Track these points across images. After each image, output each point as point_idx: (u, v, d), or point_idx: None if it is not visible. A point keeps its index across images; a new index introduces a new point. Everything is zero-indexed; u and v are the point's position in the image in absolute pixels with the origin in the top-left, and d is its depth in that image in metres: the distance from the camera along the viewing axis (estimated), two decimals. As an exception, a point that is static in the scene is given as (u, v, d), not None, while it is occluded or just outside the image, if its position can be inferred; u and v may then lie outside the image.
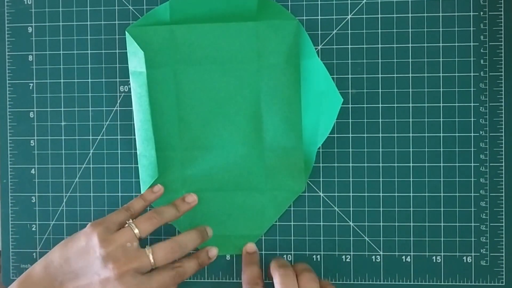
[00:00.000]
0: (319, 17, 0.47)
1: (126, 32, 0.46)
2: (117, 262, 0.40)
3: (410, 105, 0.46)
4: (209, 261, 0.45)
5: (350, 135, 0.47)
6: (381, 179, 0.47)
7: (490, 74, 0.46)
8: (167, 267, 0.42)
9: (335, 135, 0.47)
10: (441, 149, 0.46)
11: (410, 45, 0.46)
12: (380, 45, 0.47)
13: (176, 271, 0.42)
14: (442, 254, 0.47)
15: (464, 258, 0.47)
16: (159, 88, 0.46)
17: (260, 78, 0.45)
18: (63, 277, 0.40)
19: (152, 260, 0.41)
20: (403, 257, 0.47)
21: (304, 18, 0.47)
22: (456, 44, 0.46)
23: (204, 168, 0.46)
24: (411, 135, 0.47)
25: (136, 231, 0.41)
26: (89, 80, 0.48)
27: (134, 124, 0.47)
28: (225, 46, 0.45)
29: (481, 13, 0.46)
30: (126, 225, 0.42)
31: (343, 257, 0.47)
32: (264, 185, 0.46)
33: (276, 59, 0.45)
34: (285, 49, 0.45)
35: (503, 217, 0.46)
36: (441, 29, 0.46)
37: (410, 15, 0.46)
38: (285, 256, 0.47)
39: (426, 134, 0.46)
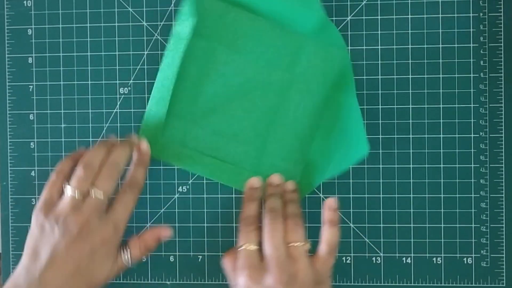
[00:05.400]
0: (319, 19, 0.47)
1: None
2: (71, 217, 0.40)
3: (410, 106, 0.46)
4: (146, 155, 0.45)
5: (350, 136, 0.47)
6: (381, 181, 0.47)
7: (490, 75, 0.46)
8: (120, 192, 0.43)
9: (335, 137, 0.47)
10: (441, 150, 0.46)
11: (409, 46, 0.46)
12: (379, 47, 0.47)
13: (126, 185, 0.43)
14: (443, 255, 0.47)
15: (465, 259, 0.47)
16: (194, 59, 0.46)
17: (287, 88, 0.46)
18: (39, 275, 0.39)
19: (100, 195, 0.41)
20: (404, 258, 0.47)
21: (304, 19, 0.47)
22: (456, 45, 0.46)
23: (202, 146, 0.47)
24: (411, 136, 0.47)
25: (77, 192, 0.41)
26: (89, 82, 0.48)
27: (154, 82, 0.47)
28: (270, 47, 0.45)
29: (481, 14, 0.46)
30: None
31: (344, 258, 0.47)
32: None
33: (311, 79, 0.45)
34: (324, 74, 0.45)
35: (503, 218, 0.46)
36: (440, 30, 0.46)
37: (409, 16, 0.46)
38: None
39: (426, 136, 0.46)
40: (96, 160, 0.42)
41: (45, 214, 0.41)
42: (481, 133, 0.46)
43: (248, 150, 0.46)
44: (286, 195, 0.45)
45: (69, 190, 0.41)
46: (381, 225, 0.47)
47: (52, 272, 0.39)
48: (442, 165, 0.46)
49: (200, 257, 0.48)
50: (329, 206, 0.43)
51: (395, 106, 0.47)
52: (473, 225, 0.46)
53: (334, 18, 0.47)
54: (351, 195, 0.47)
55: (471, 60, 0.46)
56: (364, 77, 0.47)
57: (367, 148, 0.43)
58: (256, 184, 0.46)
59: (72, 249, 0.39)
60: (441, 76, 0.46)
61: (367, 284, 0.47)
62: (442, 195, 0.47)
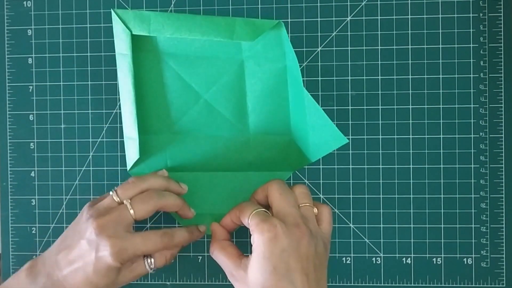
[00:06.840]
0: (319, 19, 0.47)
1: (112, 12, 0.44)
2: (98, 216, 0.40)
3: (410, 106, 0.46)
4: (199, 234, 0.45)
5: (350, 136, 0.47)
6: (381, 181, 0.47)
7: (490, 75, 0.46)
8: (153, 231, 0.42)
9: (335, 137, 0.47)
10: (441, 151, 0.46)
11: (409, 46, 0.46)
12: (379, 47, 0.47)
13: (164, 231, 0.42)
14: (443, 255, 0.47)
15: (465, 259, 0.47)
16: (144, 72, 0.45)
17: (244, 68, 0.45)
18: (58, 254, 0.41)
19: (131, 211, 0.40)
20: (404, 258, 0.47)
21: (304, 20, 0.47)
22: (456, 45, 0.46)
23: (188, 150, 0.47)
24: (411, 136, 0.47)
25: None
26: (89, 82, 0.48)
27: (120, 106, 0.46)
28: (210, 41, 0.44)
29: (481, 14, 0.46)
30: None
31: (344, 259, 0.47)
32: (249, 167, 0.47)
33: (261, 54, 0.44)
34: (270, 45, 0.44)
35: (503, 218, 0.46)
36: (440, 31, 0.46)
37: (409, 16, 0.46)
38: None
39: (426, 136, 0.46)
40: (149, 182, 0.42)
41: (89, 205, 0.42)
42: (481, 134, 0.46)
43: (233, 139, 0.46)
44: None
45: (111, 192, 0.42)
46: (381, 226, 0.47)
47: (64, 258, 0.40)
48: (442, 166, 0.46)
49: (200, 257, 0.48)
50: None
51: (395, 107, 0.47)
52: (473, 226, 0.46)
53: (333, 19, 0.47)
54: (351, 195, 0.47)
55: (471, 60, 0.46)
56: (364, 77, 0.47)
57: (344, 138, 0.42)
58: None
59: (82, 244, 0.40)
60: (441, 76, 0.46)
61: (367, 284, 0.47)
62: (442, 196, 0.47)
